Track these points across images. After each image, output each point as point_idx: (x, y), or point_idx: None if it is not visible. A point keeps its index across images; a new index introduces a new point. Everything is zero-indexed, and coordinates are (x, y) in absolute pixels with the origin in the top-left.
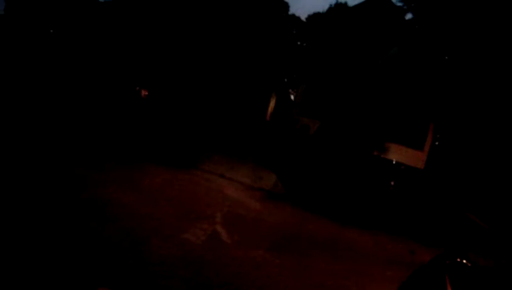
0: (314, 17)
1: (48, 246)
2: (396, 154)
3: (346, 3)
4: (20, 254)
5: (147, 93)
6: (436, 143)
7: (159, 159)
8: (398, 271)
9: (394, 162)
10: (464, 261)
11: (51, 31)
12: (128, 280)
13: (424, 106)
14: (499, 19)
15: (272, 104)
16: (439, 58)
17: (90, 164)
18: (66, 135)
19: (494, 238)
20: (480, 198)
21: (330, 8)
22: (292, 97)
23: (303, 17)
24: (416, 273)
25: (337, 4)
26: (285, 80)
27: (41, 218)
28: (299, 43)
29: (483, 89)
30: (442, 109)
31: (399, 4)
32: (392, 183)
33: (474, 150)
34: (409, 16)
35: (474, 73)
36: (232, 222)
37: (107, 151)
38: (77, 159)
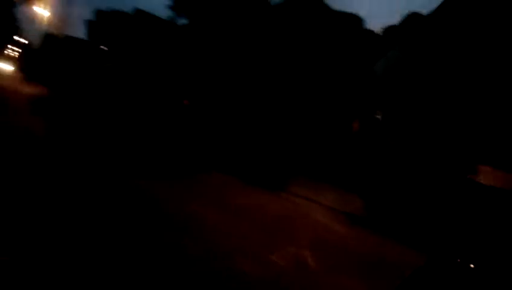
0: (390, 29)
1: (148, 262)
2: (488, 178)
3: (419, 13)
4: (117, 271)
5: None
6: None
7: (246, 178)
8: None
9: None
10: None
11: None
12: None
13: None
14: None
15: (356, 126)
16: None
17: (168, 177)
18: (128, 143)
19: None
20: None
21: (405, 19)
22: (379, 118)
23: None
24: (415, 273)
25: (412, 13)
26: (369, 101)
27: (133, 235)
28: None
29: None
30: None
31: None
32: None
33: None
34: None
35: None
36: (318, 246)
37: (181, 162)
38: (152, 171)
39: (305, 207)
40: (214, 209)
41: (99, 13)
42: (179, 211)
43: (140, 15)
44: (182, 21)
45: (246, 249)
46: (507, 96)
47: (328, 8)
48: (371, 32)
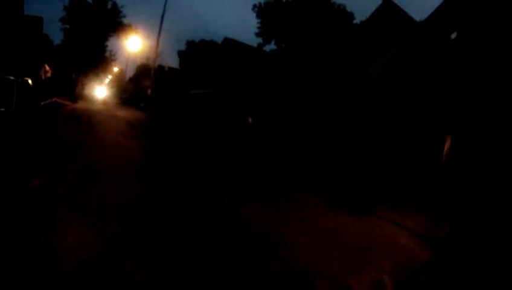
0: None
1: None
2: None
3: None
4: None
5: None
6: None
7: (330, 200)
8: None
9: None
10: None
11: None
12: None
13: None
14: None
15: (447, 146)
16: None
17: (250, 194)
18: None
19: None
20: None
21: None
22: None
23: None
24: (415, 273)
25: None
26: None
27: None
28: None
29: None
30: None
31: None
32: None
33: None
34: None
35: None
36: (400, 273)
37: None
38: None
39: (391, 232)
40: (297, 230)
41: (190, 44)
42: (264, 230)
43: (228, 43)
44: (271, 47)
45: (326, 273)
46: None
47: (411, 20)
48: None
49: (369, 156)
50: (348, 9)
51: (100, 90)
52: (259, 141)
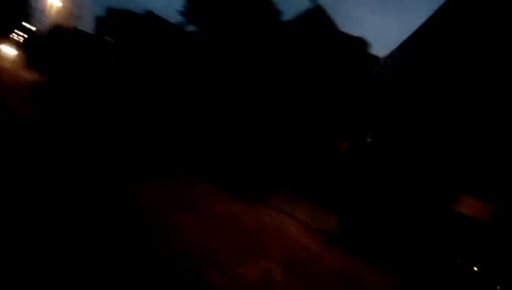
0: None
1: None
2: (467, 207)
3: None
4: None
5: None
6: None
7: (225, 186)
8: None
9: (464, 215)
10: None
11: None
12: None
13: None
14: None
15: (345, 145)
16: None
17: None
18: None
19: None
20: None
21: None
22: (368, 140)
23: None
24: (416, 274)
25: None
26: (361, 121)
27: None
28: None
29: None
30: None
31: None
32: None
33: None
34: None
35: None
36: (289, 262)
37: (157, 163)
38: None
39: (281, 221)
40: (189, 214)
41: (111, 11)
42: (154, 212)
43: (151, 17)
44: (191, 28)
45: (217, 259)
46: (488, 127)
47: (335, 29)
48: (375, 57)
49: (263, 146)
50: (277, 7)
51: (11, 48)
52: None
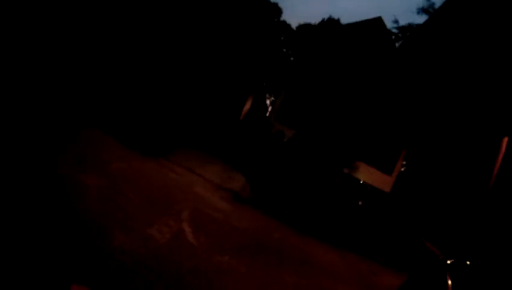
0: (305, 27)
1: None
2: (365, 175)
3: (339, 20)
4: None
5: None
6: (403, 169)
7: (127, 141)
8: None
9: (362, 182)
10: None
11: None
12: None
13: (399, 132)
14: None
15: (248, 105)
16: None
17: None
18: None
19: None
20: (437, 227)
21: (322, 22)
22: (268, 102)
23: (294, 25)
24: (416, 274)
25: (330, 19)
26: (264, 83)
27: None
28: (284, 50)
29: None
30: (416, 137)
31: (394, 31)
32: (360, 202)
33: (437, 180)
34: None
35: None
36: (199, 221)
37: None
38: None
39: (188, 179)
40: (89, 172)
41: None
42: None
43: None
44: None
45: (123, 221)
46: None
47: None
48: (288, 25)
49: (164, 98)
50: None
51: None
52: None
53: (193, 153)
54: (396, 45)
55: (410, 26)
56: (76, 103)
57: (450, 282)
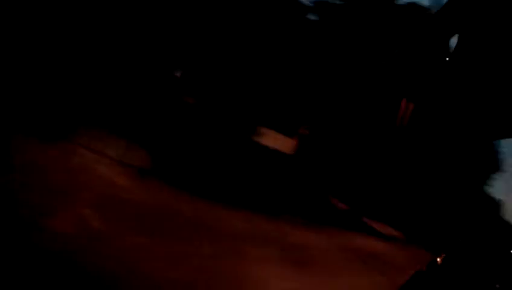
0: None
1: None
2: (270, 140)
3: None
4: None
5: None
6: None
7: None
8: (273, 250)
9: (267, 147)
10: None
11: None
12: None
13: (299, 96)
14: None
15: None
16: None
17: None
18: None
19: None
20: (342, 183)
21: None
22: (177, 74)
23: None
24: (417, 274)
25: None
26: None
27: None
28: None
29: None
30: (315, 101)
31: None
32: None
33: (339, 141)
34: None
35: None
36: (102, 203)
37: None
38: None
39: (91, 159)
40: None
41: None
42: None
43: None
44: None
45: (18, 215)
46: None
47: None
48: None
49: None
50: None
51: None
52: None
53: (99, 133)
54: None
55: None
56: None
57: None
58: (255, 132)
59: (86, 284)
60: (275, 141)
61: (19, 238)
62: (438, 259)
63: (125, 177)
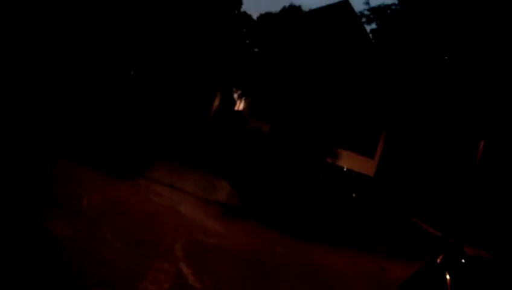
0: (266, 16)
1: None
2: (348, 161)
3: (300, 7)
4: None
5: None
6: (386, 152)
7: (93, 161)
8: None
9: (345, 169)
10: (462, 258)
11: None
12: None
13: (377, 114)
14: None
15: (217, 102)
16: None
17: None
18: None
19: (440, 240)
20: (426, 204)
21: (283, 10)
22: (236, 96)
23: (255, 15)
24: (417, 273)
25: (291, 6)
26: (230, 78)
27: None
28: (247, 41)
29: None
30: (395, 118)
31: (366, 13)
32: (354, 195)
33: (421, 159)
34: (373, 26)
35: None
36: (195, 253)
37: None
38: None
39: (169, 198)
40: (59, 217)
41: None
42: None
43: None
44: None
45: (108, 280)
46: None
47: None
48: (249, 16)
49: (131, 109)
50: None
51: None
52: None
53: (169, 164)
54: (368, 27)
55: (382, 8)
56: (42, 133)
57: (448, 277)
58: (335, 154)
59: None
60: (354, 162)
61: None
62: (438, 259)
63: (211, 218)
